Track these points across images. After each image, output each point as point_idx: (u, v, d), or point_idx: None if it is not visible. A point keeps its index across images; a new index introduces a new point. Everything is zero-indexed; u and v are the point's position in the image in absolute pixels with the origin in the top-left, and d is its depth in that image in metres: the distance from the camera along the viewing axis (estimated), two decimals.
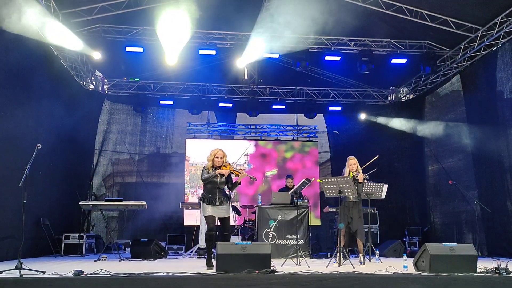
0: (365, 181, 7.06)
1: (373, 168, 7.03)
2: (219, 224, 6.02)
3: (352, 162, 6.96)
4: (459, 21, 9.18)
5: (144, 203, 7.87)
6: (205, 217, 5.87)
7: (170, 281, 4.37)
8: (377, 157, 6.92)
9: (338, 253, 6.28)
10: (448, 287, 4.55)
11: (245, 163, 12.55)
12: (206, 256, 5.92)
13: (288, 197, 8.21)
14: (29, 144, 6.07)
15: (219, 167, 5.87)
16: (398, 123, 12.35)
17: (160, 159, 12.64)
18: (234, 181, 6.05)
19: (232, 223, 6.59)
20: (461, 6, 8.69)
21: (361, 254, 6.78)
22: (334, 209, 9.23)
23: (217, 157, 5.85)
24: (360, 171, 6.88)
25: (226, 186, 6.01)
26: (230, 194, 6.30)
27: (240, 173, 5.93)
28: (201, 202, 5.95)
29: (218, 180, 5.84)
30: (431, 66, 10.15)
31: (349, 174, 6.91)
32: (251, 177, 6.13)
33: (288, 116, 13.21)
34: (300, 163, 12.84)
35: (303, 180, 7.50)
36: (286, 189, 9.11)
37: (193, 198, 12.18)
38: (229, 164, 6.02)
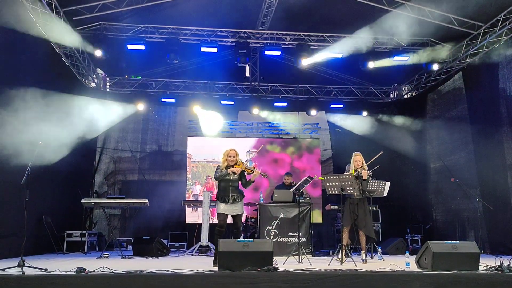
0: (369, 178, 6.97)
1: (376, 164, 6.97)
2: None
3: (357, 159, 6.77)
4: (462, 18, 9.14)
5: (146, 200, 7.88)
6: (217, 214, 6.20)
7: (172, 279, 4.37)
8: (381, 153, 6.80)
9: (340, 251, 6.28)
10: (450, 284, 4.54)
11: (246, 160, 12.53)
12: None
13: (290, 194, 8.19)
14: (31, 142, 6.06)
15: (232, 166, 6.18)
16: (400, 121, 12.33)
17: (161, 157, 12.64)
18: (248, 179, 6.31)
19: None
20: (463, 3, 8.65)
21: (363, 252, 6.75)
22: (336, 207, 9.22)
23: (230, 156, 6.18)
24: (366, 167, 6.73)
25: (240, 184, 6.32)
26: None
27: (252, 171, 6.19)
28: (216, 199, 6.26)
29: (231, 178, 6.15)
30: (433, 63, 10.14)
31: (354, 170, 6.76)
32: (262, 174, 6.39)
33: (290, 113, 13.19)
34: (301, 161, 12.83)
35: (305, 177, 7.48)
36: (283, 186, 9.12)
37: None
38: (242, 162, 6.31)
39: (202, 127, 12.31)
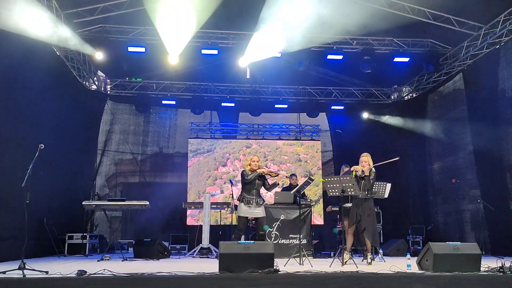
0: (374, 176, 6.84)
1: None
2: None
3: (363, 159, 6.65)
4: (462, 19, 9.14)
5: (147, 203, 7.88)
6: (238, 216, 6.50)
7: (173, 281, 4.36)
8: (397, 158, 6.90)
9: (341, 253, 6.26)
10: (452, 286, 4.53)
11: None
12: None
13: (291, 196, 8.19)
14: (31, 144, 6.07)
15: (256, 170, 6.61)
16: (401, 122, 12.33)
17: (162, 159, 12.66)
18: (272, 183, 6.73)
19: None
20: (464, 4, 8.65)
21: (368, 254, 6.66)
22: (337, 208, 9.20)
23: (254, 161, 6.56)
24: (373, 169, 6.61)
25: (263, 188, 6.69)
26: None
27: (277, 174, 6.71)
28: (239, 202, 6.53)
29: (257, 182, 6.50)
30: (434, 64, 10.14)
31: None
32: (287, 176, 7.09)
33: (291, 115, 13.20)
34: (302, 163, 12.82)
35: (306, 179, 7.49)
36: (290, 187, 9.08)
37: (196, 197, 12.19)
38: (264, 168, 6.77)
39: (203, 129, 12.28)
